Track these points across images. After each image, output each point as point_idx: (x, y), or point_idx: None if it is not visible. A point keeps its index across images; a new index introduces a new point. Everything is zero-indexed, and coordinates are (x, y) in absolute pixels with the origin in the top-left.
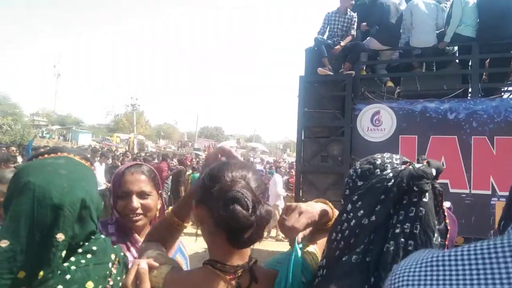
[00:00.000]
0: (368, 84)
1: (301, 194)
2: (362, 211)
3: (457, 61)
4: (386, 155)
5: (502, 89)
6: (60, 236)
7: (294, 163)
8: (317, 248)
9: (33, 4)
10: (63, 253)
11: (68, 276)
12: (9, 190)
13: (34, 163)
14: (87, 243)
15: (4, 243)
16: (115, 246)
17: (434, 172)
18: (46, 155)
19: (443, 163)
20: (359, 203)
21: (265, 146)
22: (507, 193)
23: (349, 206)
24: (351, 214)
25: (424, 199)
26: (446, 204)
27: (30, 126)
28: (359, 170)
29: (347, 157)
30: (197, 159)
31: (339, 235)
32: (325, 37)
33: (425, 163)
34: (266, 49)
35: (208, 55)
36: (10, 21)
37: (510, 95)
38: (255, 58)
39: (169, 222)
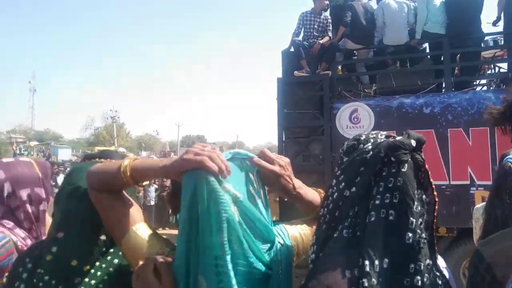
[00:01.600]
0: (344, 83)
1: None
2: (343, 183)
3: (429, 57)
4: (374, 131)
5: (474, 82)
6: (103, 238)
7: None
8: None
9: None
10: (103, 250)
11: (104, 265)
12: (62, 186)
13: (83, 166)
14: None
15: (60, 235)
16: None
17: (413, 143)
18: (97, 159)
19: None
20: (342, 176)
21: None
22: (485, 182)
23: (334, 181)
24: (335, 187)
25: (403, 169)
26: None
27: (7, 144)
28: (345, 147)
29: (328, 155)
30: None
31: (325, 209)
32: (300, 37)
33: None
34: (244, 53)
35: (186, 63)
36: None
37: (482, 87)
38: (234, 64)
39: (119, 176)
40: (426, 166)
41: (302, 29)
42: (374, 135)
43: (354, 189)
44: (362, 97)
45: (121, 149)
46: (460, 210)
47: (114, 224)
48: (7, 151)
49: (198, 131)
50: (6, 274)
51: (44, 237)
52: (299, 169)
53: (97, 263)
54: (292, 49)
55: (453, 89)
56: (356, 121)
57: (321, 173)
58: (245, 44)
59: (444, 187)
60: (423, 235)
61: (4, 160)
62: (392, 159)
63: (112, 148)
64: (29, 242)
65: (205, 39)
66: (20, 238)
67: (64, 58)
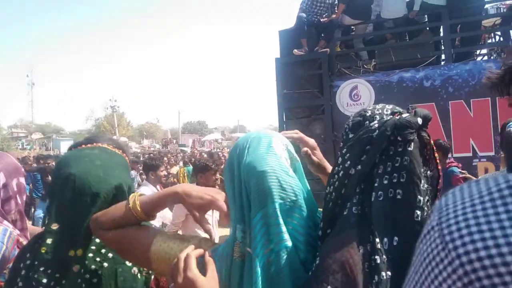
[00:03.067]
0: (343, 60)
1: None
2: (349, 162)
3: (428, 29)
4: (379, 105)
5: (475, 53)
6: None
7: None
8: None
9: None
10: None
11: (103, 251)
12: (53, 177)
13: (72, 154)
14: None
15: (55, 226)
16: None
17: (420, 121)
18: (83, 145)
19: None
20: (348, 155)
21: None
22: (487, 153)
23: (340, 159)
24: (341, 166)
25: (409, 148)
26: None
27: (9, 139)
28: (351, 123)
29: (330, 134)
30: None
31: (331, 187)
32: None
33: (412, 112)
34: (242, 37)
35: (184, 48)
36: None
37: (483, 57)
38: (232, 48)
39: (131, 214)
40: (432, 142)
41: (309, 5)
42: (380, 111)
43: (359, 167)
44: (361, 73)
45: (123, 139)
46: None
47: (134, 251)
48: (9, 146)
49: (199, 117)
50: (9, 265)
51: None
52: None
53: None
54: (294, 26)
55: (453, 61)
56: (357, 98)
57: (323, 152)
58: (243, 26)
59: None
60: (430, 211)
61: None
62: (399, 138)
63: (114, 138)
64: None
65: (203, 23)
66: (16, 231)
67: (60, 50)
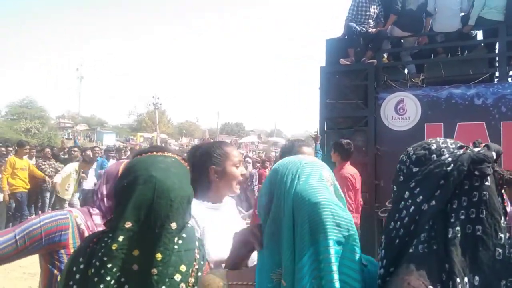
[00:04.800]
0: (391, 72)
1: None
2: (421, 197)
3: (482, 44)
4: (440, 139)
5: None
6: (174, 225)
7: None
8: None
9: (54, 7)
10: (175, 239)
11: (165, 260)
12: (125, 178)
13: (147, 159)
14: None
15: (128, 224)
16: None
17: (494, 155)
18: (154, 153)
19: None
20: (418, 189)
21: (286, 140)
22: None
23: (407, 193)
24: (410, 201)
25: (487, 183)
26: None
27: (56, 128)
28: (414, 156)
29: (372, 147)
30: None
31: (398, 223)
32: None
33: (482, 146)
34: (285, 42)
35: (227, 51)
36: (33, 27)
37: None
38: (271, 46)
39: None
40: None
41: (356, 14)
42: (445, 144)
43: (433, 202)
44: (409, 87)
45: (162, 135)
46: None
47: None
48: (56, 135)
49: (236, 118)
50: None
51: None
52: None
53: (168, 251)
54: (342, 35)
55: (508, 79)
56: (402, 112)
57: (364, 165)
58: (287, 32)
59: None
60: (511, 250)
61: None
62: (476, 172)
63: (154, 134)
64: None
65: (244, 28)
66: (92, 223)
67: (109, 46)
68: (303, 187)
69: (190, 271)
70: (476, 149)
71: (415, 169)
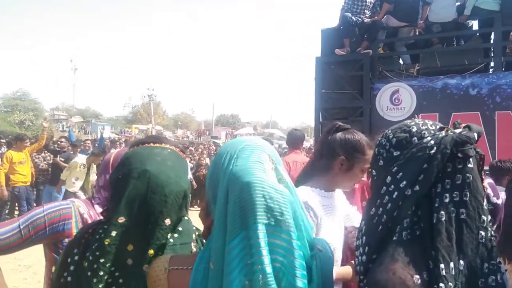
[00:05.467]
0: (386, 62)
1: None
2: (404, 182)
3: (478, 34)
4: (419, 121)
5: None
6: (167, 221)
7: (312, 147)
8: None
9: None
10: (169, 235)
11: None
12: (120, 171)
13: (143, 151)
14: (176, 224)
15: (121, 219)
16: (194, 227)
17: (476, 136)
18: (151, 144)
19: None
20: (400, 174)
21: (282, 131)
22: None
23: (389, 178)
24: (392, 186)
25: (470, 165)
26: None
27: (50, 120)
28: (394, 139)
29: (367, 137)
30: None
31: (380, 209)
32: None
33: (463, 128)
34: (280, 32)
35: (222, 42)
36: (25, 17)
37: None
38: (270, 44)
39: None
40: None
41: (350, 5)
42: (425, 126)
43: (417, 187)
44: (404, 77)
45: (158, 127)
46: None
47: None
48: (51, 128)
49: (232, 110)
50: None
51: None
52: None
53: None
54: (339, 26)
55: (503, 69)
56: (397, 102)
57: None
58: (282, 21)
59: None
60: (493, 232)
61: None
62: (459, 154)
63: (149, 126)
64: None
65: (240, 17)
66: (94, 212)
67: (103, 38)
68: (238, 168)
69: None
70: (457, 131)
71: (396, 153)
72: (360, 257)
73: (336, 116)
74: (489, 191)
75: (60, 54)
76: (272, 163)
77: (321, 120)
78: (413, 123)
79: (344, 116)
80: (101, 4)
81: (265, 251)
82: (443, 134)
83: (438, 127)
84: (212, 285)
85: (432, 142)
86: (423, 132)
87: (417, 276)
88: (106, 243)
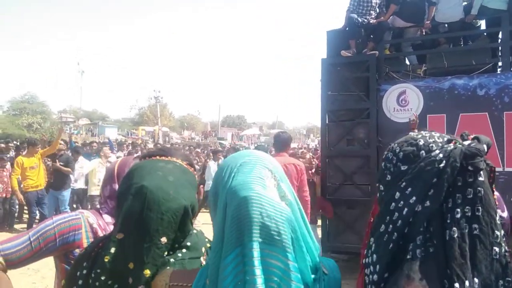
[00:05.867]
0: (392, 63)
1: (327, 179)
2: (414, 198)
3: (485, 34)
4: (426, 134)
5: None
6: (164, 239)
7: (318, 148)
8: None
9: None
10: (165, 254)
11: (167, 267)
12: (123, 185)
13: (146, 165)
14: (182, 239)
15: (120, 236)
16: (206, 239)
17: (486, 148)
18: (157, 157)
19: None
20: (409, 189)
21: (288, 132)
22: None
23: (397, 193)
24: (401, 202)
25: (480, 178)
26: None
27: (58, 123)
28: (401, 153)
29: (374, 139)
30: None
31: (390, 226)
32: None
33: (471, 139)
34: (286, 34)
35: (227, 43)
36: (34, 21)
37: None
38: (275, 44)
39: None
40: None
41: (356, 6)
42: (433, 139)
43: (428, 203)
44: (410, 78)
45: (164, 129)
46: None
47: None
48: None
49: (238, 111)
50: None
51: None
52: (342, 153)
53: (171, 260)
54: (345, 27)
55: (511, 69)
56: (404, 103)
57: (366, 157)
58: (288, 22)
59: (498, 174)
60: (507, 247)
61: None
62: (469, 168)
63: (156, 127)
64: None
65: (245, 19)
66: (103, 221)
67: (110, 41)
68: (237, 182)
69: None
70: (466, 142)
71: (403, 167)
72: (371, 276)
73: (343, 117)
74: None
75: (67, 57)
76: (274, 180)
77: (327, 121)
78: (419, 136)
79: (351, 118)
80: (107, 6)
81: (258, 271)
82: (452, 146)
83: (446, 139)
84: None
85: (441, 155)
86: (431, 145)
87: None
88: (106, 260)
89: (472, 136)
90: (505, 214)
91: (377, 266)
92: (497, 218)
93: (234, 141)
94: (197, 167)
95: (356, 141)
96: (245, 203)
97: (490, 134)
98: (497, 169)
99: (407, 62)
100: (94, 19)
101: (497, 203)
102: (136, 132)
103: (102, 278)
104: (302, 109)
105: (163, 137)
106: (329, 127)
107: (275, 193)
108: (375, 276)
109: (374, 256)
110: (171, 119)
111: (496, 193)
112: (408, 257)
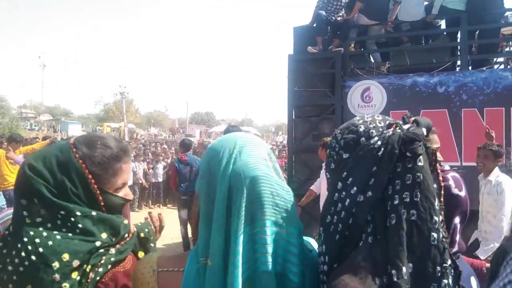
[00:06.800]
0: (357, 60)
1: (293, 174)
2: (355, 188)
3: (445, 33)
4: (368, 118)
5: (492, 61)
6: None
7: (286, 145)
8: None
9: None
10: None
11: (50, 242)
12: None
13: None
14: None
15: None
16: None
17: (425, 131)
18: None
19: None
20: (350, 179)
21: (257, 129)
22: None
23: (339, 184)
24: (344, 192)
25: (420, 163)
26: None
27: (18, 119)
28: (342, 141)
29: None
30: None
31: (335, 217)
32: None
33: (411, 121)
34: (254, 30)
35: (195, 39)
36: None
37: (499, 66)
38: (243, 41)
39: None
40: (436, 152)
41: (325, 3)
42: (374, 124)
43: (370, 193)
44: (374, 75)
45: (130, 125)
46: (471, 192)
47: None
48: (18, 126)
49: (207, 108)
50: None
51: None
52: (308, 148)
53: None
54: (312, 23)
55: (469, 68)
56: (368, 100)
57: None
58: (256, 20)
59: (456, 168)
60: (445, 233)
61: None
62: (408, 153)
63: (121, 124)
64: None
65: (213, 15)
66: None
67: (72, 35)
68: (242, 163)
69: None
70: (406, 126)
71: (345, 155)
72: (322, 266)
73: (309, 113)
74: (450, 182)
75: (28, 50)
76: (270, 161)
77: (294, 117)
78: (361, 121)
79: (316, 114)
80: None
81: (270, 248)
82: (390, 132)
83: (387, 123)
84: (211, 282)
85: (379, 142)
86: (371, 131)
87: (378, 279)
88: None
89: (412, 119)
90: (462, 193)
91: (326, 257)
92: (436, 203)
93: (202, 138)
94: (163, 163)
95: (321, 137)
96: (256, 183)
97: (449, 130)
98: (455, 163)
99: (372, 59)
100: (58, 13)
101: (451, 181)
102: (101, 129)
103: None
104: (271, 106)
105: (129, 134)
106: (295, 123)
107: (274, 173)
108: (325, 267)
109: (323, 246)
110: (137, 116)
111: (453, 173)
112: (360, 244)
